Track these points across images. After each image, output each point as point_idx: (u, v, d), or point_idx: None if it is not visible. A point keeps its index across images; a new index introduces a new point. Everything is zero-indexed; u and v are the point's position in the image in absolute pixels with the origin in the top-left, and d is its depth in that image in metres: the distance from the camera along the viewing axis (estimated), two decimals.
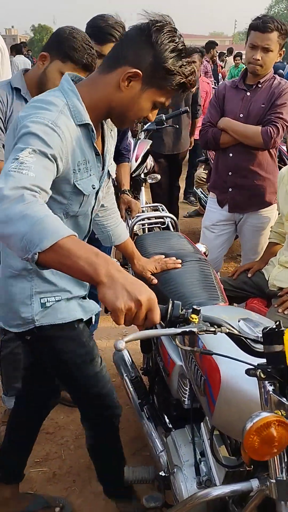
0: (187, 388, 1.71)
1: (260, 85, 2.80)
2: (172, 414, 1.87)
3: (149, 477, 1.85)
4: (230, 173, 2.95)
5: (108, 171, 1.65)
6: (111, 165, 1.67)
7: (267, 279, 2.61)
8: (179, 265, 1.99)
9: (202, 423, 1.66)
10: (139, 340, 2.35)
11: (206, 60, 9.59)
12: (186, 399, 1.72)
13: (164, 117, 3.67)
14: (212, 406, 1.42)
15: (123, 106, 1.42)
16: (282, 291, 2.44)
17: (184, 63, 1.37)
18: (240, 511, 1.39)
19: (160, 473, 1.80)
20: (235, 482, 1.27)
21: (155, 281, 1.95)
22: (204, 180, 5.30)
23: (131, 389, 2.18)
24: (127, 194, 2.70)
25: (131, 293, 1.04)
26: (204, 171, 5.43)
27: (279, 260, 2.59)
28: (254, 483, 1.20)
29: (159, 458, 1.87)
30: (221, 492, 1.29)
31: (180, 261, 2.01)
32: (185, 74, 1.38)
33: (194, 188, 5.65)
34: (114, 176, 1.71)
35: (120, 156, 2.82)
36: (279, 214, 2.74)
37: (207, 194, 4.80)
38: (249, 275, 2.71)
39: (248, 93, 2.82)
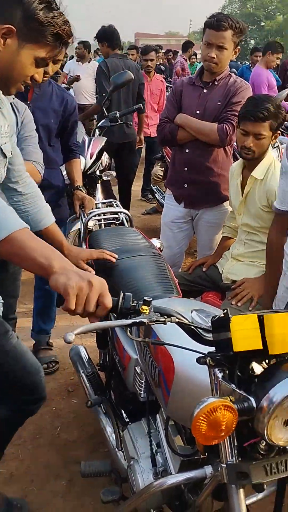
0: (142, 381, 1.72)
1: (216, 83, 2.83)
2: (128, 408, 1.88)
3: (106, 470, 1.86)
4: (186, 169, 2.98)
5: (1, 149, 1.61)
6: (5, 144, 1.63)
7: (221, 273, 2.66)
8: (114, 260, 1.98)
9: (157, 415, 1.68)
10: (95, 336, 2.36)
11: (184, 58, 9.79)
12: (142, 392, 1.73)
13: (118, 114, 3.67)
14: (167, 396, 1.43)
15: (4, 67, 1.41)
16: (235, 284, 2.49)
17: (56, 14, 1.39)
18: (195, 498, 1.41)
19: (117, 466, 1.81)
20: (190, 470, 1.29)
21: (90, 269, 1.91)
22: (161, 177, 5.33)
23: (88, 385, 2.17)
24: (80, 190, 2.68)
25: (83, 276, 1.09)
26: (161, 168, 5.47)
27: (232, 253, 2.65)
28: (208, 469, 1.22)
29: (116, 452, 1.87)
30: (176, 481, 1.30)
31: (116, 255, 2.00)
32: (58, 24, 1.39)
33: (151, 185, 5.68)
34: (9, 155, 1.67)
35: (70, 152, 2.79)
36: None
37: (164, 191, 4.85)
38: (204, 269, 2.75)
39: (205, 90, 2.85)
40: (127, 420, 1.86)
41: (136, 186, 6.76)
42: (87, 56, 7.68)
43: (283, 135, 4.92)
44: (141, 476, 1.60)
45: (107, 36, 4.70)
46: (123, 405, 1.93)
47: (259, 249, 2.51)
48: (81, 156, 3.05)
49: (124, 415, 1.91)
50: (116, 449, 1.88)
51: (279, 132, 2.47)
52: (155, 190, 5.39)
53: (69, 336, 1.03)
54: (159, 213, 4.99)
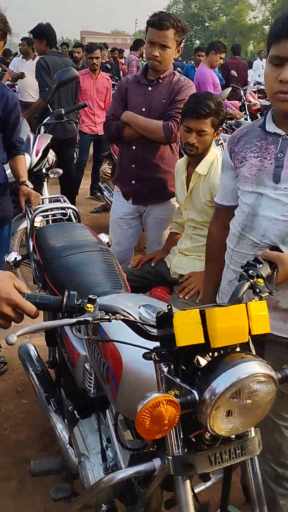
0: (92, 377, 1.72)
1: (160, 81, 2.86)
2: (79, 404, 1.88)
3: (56, 468, 1.85)
4: (133, 166, 3.00)
5: None
6: None
7: (169, 268, 2.70)
8: None
9: (107, 410, 1.69)
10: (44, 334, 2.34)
11: (137, 56, 9.80)
12: (91, 388, 1.73)
13: (63, 111, 3.65)
14: (115, 392, 1.45)
15: None
16: (182, 278, 2.54)
17: None
18: (145, 490, 1.43)
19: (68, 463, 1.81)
20: (140, 463, 1.31)
21: None
22: (109, 175, 5.34)
23: (37, 383, 2.16)
24: (26, 185, 2.64)
25: None
26: (109, 166, 5.48)
27: (179, 248, 2.70)
28: (157, 462, 1.24)
29: (66, 449, 1.87)
30: (125, 475, 1.31)
31: None
32: None
33: (100, 183, 5.67)
34: None
35: (13, 148, 2.74)
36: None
37: (112, 189, 4.86)
38: (152, 264, 2.79)
39: (150, 88, 2.88)
40: (78, 416, 1.86)
41: (85, 185, 6.73)
42: (31, 53, 7.57)
43: (227, 132, 5.03)
44: (91, 472, 1.61)
45: (45, 33, 4.83)
46: (74, 402, 1.93)
47: (204, 243, 2.55)
48: (26, 153, 3.01)
49: (75, 412, 1.90)
50: (67, 446, 1.87)
51: (220, 129, 2.54)
52: (103, 188, 5.40)
53: (10, 338, 1.02)
54: (108, 211, 4.98)
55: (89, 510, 1.63)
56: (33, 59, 7.46)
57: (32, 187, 2.69)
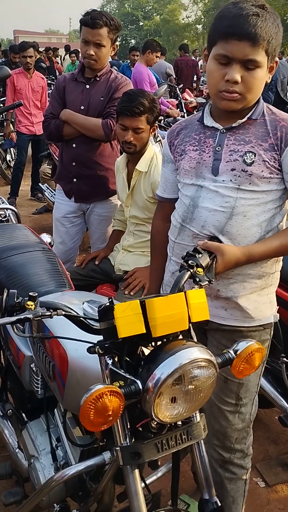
0: (39, 378, 1.71)
1: (98, 79, 2.87)
2: (27, 406, 1.86)
3: (6, 472, 1.81)
4: (74, 164, 2.98)
5: None
6: None
7: (113, 265, 2.71)
8: None
9: (55, 409, 1.68)
10: None
11: None
12: (39, 389, 1.72)
13: None
14: (62, 389, 1.44)
15: None
16: (127, 274, 2.56)
17: None
18: (97, 486, 1.43)
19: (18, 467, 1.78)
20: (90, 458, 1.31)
21: None
22: (49, 175, 5.28)
23: None
24: None
25: None
26: (48, 166, 5.42)
27: (122, 245, 2.71)
28: (106, 455, 1.24)
29: (16, 453, 1.84)
30: (75, 471, 1.31)
31: None
32: None
33: (40, 184, 5.60)
34: None
35: None
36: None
37: (53, 189, 4.80)
38: (96, 262, 2.78)
39: (88, 86, 2.87)
40: (26, 419, 1.83)
41: (25, 186, 6.62)
42: None
43: (166, 130, 5.09)
44: (42, 472, 1.60)
45: None
46: (22, 404, 1.90)
47: (147, 239, 2.57)
48: None
49: (24, 415, 1.88)
50: (16, 450, 1.85)
51: (156, 125, 2.57)
52: (44, 188, 5.33)
53: None
54: (51, 212, 4.93)
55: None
56: None
57: None
